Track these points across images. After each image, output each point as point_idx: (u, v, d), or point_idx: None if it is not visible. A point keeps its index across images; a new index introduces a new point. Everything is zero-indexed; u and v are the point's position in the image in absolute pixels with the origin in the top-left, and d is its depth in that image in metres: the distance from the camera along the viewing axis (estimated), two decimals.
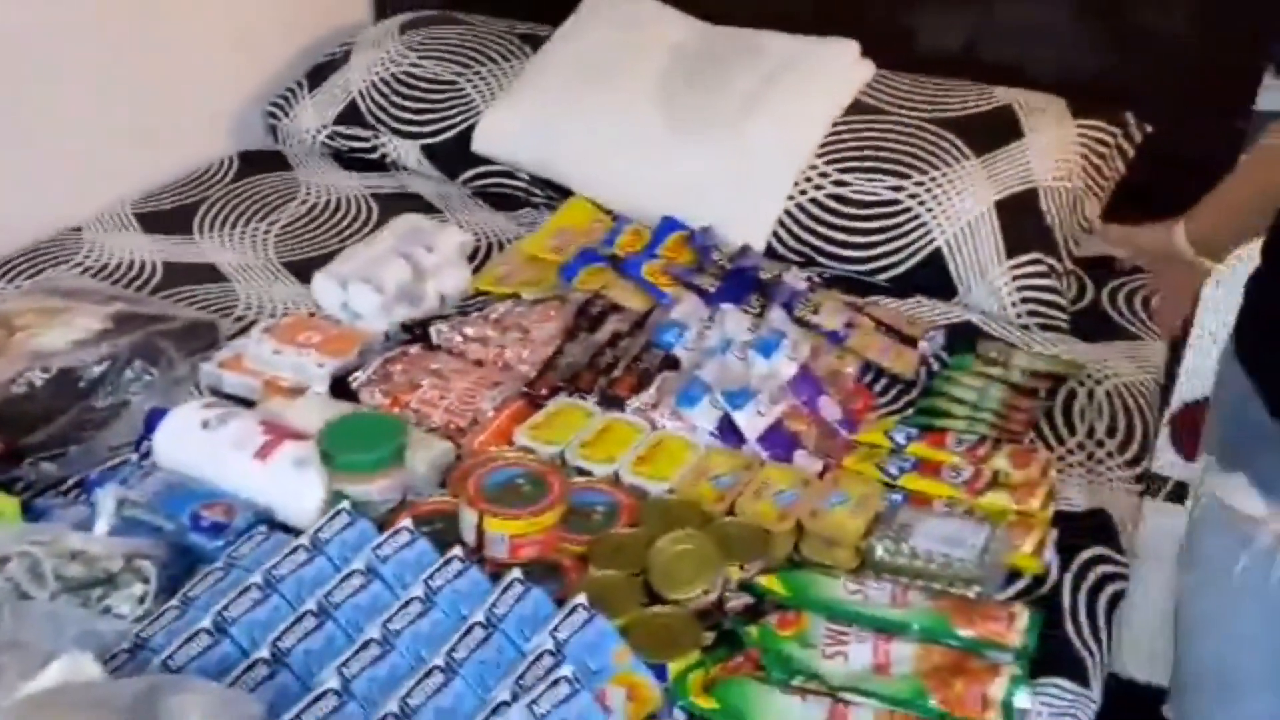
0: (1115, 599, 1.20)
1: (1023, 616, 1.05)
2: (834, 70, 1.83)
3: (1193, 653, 1.21)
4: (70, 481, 1.24)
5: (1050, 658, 1.09)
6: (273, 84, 2.15)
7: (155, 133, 1.97)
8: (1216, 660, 1.18)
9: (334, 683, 0.90)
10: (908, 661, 1.00)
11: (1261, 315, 1.05)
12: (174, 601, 1.04)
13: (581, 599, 0.98)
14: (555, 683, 0.88)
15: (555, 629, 0.95)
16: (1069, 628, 1.14)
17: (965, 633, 1.03)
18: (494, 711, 0.88)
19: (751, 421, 1.28)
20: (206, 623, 0.96)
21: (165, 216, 1.85)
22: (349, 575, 1.01)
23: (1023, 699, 0.98)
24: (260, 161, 2.04)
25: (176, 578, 1.08)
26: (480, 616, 0.96)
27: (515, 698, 0.88)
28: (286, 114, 2.07)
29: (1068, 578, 1.18)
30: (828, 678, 0.99)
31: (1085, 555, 1.22)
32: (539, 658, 0.92)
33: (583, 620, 0.97)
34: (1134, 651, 1.78)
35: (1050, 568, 1.19)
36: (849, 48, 1.85)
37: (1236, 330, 1.09)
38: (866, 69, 1.86)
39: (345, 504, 1.10)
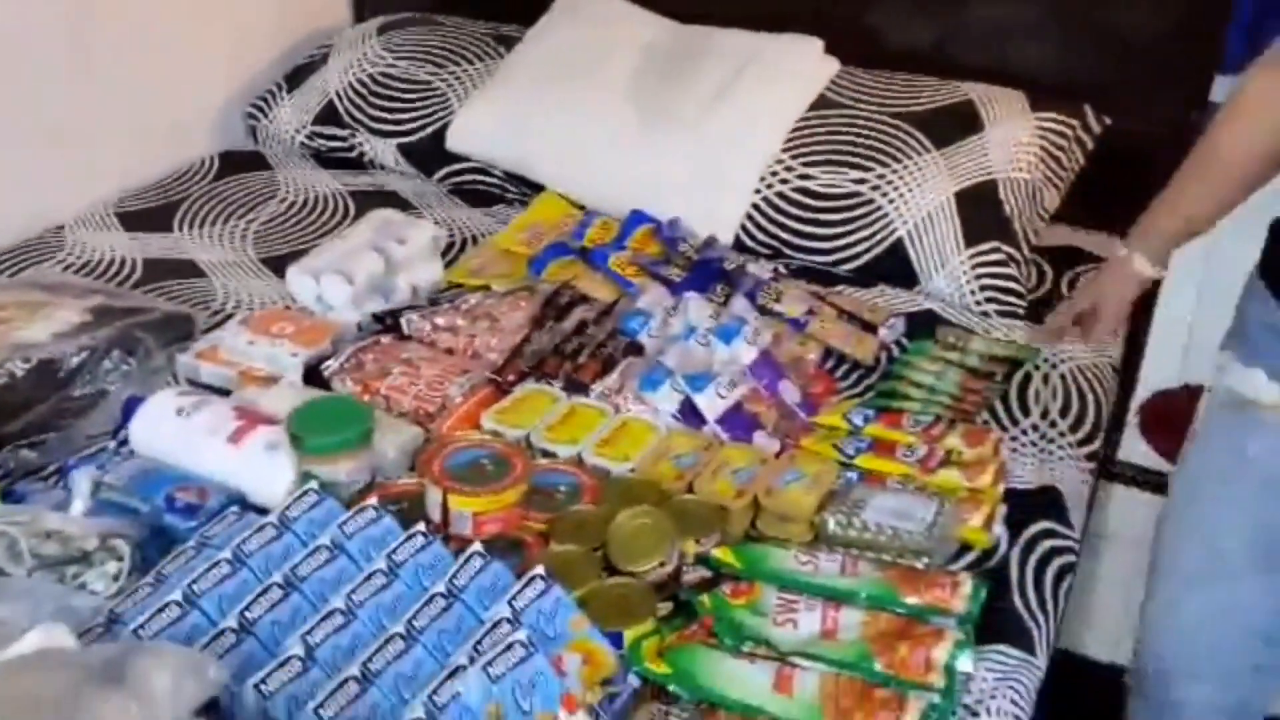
0: (1063, 572, 1.24)
1: (967, 584, 1.09)
2: (798, 67, 1.88)
3: (1179, 542, 1.32)
4: (50, 468, 1.28)
5: (997, 626, 1.13)
6: (253, 85, 2.19)
7: (136, 133, 2.01)
8: (1205, 544, 1.28)
9: (298, 649, 0.94)
10: (855, 628, 1.04)
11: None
12: (148, 579, 1.07)
13: (539, 570, 1.02)
14: (510, 646, 0.92)
15: (513, 598, 0.99)
16: (1016, 598, 1.18)
17: (911, 600, 1.07)
18: (451, 675, 0.91)
19: (711, 403, 1.32)
20: (176, 595, 0.99)
21: (146, 215, 1.89)
22: (315, 550, 1.04)
23: (965, 662, 1.02)
24: (240, 161, 2.08)
25: (151, 558, 1.12)
26: (441, 587, 1.00)
27: (472, 661, 0.91)
28: (266, 115, 2.11)
29: (1016, 551, 1.23)
30: (777, 644, 1.03)
31: (1034, 529, 1.26)
32: (496, 625, 0.96)
33: (540, 590, 1.00)
34: (1097, 632, 1.82)
35: (999, 542, 1.23)
36: (813, 45, 1.90)
37: (1265, 263, 1.21)
38: (830, 65, 1.91)
39: (313, 484, 1.14)
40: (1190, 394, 2.33)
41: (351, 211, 1.90)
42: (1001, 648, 1.11)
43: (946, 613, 1.06)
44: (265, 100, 2.13)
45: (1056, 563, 1.24)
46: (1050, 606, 1.19)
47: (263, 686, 0.91)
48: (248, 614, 0.98)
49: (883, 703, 0.96)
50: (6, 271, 1.68)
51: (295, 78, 2.13)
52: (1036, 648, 1.14)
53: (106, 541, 1.10)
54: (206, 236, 1.84)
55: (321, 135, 2.07)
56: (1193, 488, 1.32)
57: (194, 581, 1.01)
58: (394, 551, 1.04)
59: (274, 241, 1.82)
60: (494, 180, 1.95)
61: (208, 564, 1.03)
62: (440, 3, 2.28)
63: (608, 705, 0.98)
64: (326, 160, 2.08)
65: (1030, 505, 1.29)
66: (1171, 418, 2.28)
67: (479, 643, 0.94)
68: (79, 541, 1.10)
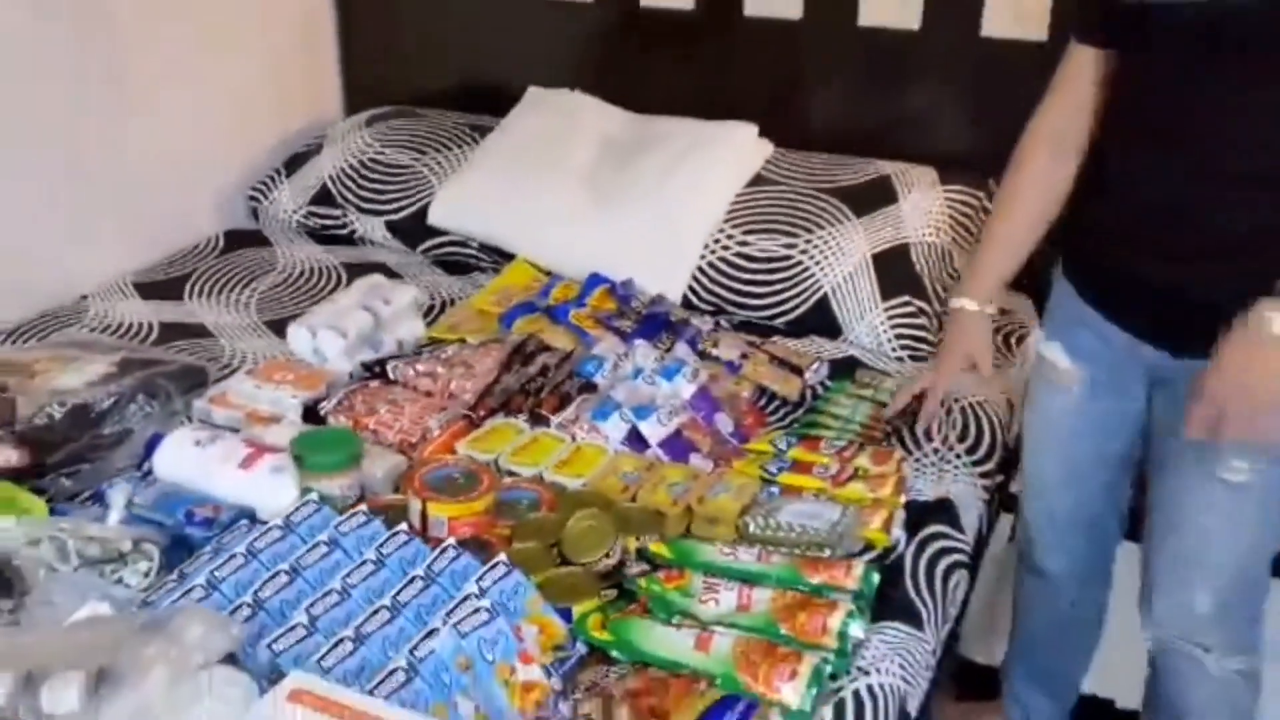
0: (952, 567, 1.46)
1: (860, 568, 1.30)
2: (737, 149, 2.14)
3: (1026, 465, 1.66)
4: (84, 494, 1.49)
5: (892, 607, 1.34)
6: (254, 172, 2.44)
7: (151, 215, 2.25)
8: (1035, 468, 1.65)
9: (303, 619, 1.14)
10: (765, 602, 1.25)
11: (1070, 238, 1.49)
12: (172, 576, 1.28)
13: (502, 557, 1.23)
14: (476, 611, 1.13)
15: (480, 578, 1.20)
16: (909, 586, 1.39)
17: (813, 579, 1.28)
18: (427, 635, 1.12)
19: (654, 430, 1.54)
20: (200, 580, 1.20)
21: (160, 285, 2.12)
22: (314, 545, 1.26)
23: (856, 629, 1.23)
24: (243, 238, 2.32)
25: (174, 564, 1.32)
26: (420, 571, 1.21)
27: (444, 624, 1.12)
28: (266, 197, 2.36)
29: (911, 549, 1.44)
30: (700, 616, 1.24)
31: (928, 532, 1.48)
32: (466, 598, 1.17)
33: (503, 573, 1.21)
34: (972, 636, 2.03)
35: (898, 542, 1.44)
36: (749, 130, 2.17)
37: (1065, 262, 1.51)
38: (765, 148, 2.17)
39: (313, 495, 1.35)
40: None
41: (344, 280, 2.14)
42: (895, 624, 1.32)
43: (841, 590, 1.27)
44: (265, 185, 2.38)
45: (947, 560, 1.45)
46: (940, 594, 1.41)
47: (274, 646, 1.11)
48: (260, 594, 1.19)
49: (783, 657, 1.17)
50: (37, 336, 1.91)
51: (293, 164, 2.39)
52: (926, 627, 1.35)
53: (139, 545, 1.31)
54: (214, 303, 2.07)
55: (316, 215, 2.32)
56: (1029, 425, 1.64)
57: (215, 570, 1.22)
58: (382, 545, 1.25)
59: (274, 306, 2.05)
60: (470, 251, 2.20)
61: (226, 557, 1.24)
62: (422, 97, 2.55)
63: (559, 666, 1.18)
64: (320, 237, 2.33)
65: (927, 513, 1.51)
66: None
67: (451, 612, 1.15)
68: (115, 544, 1.30)
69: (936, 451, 1.65)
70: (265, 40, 2.47)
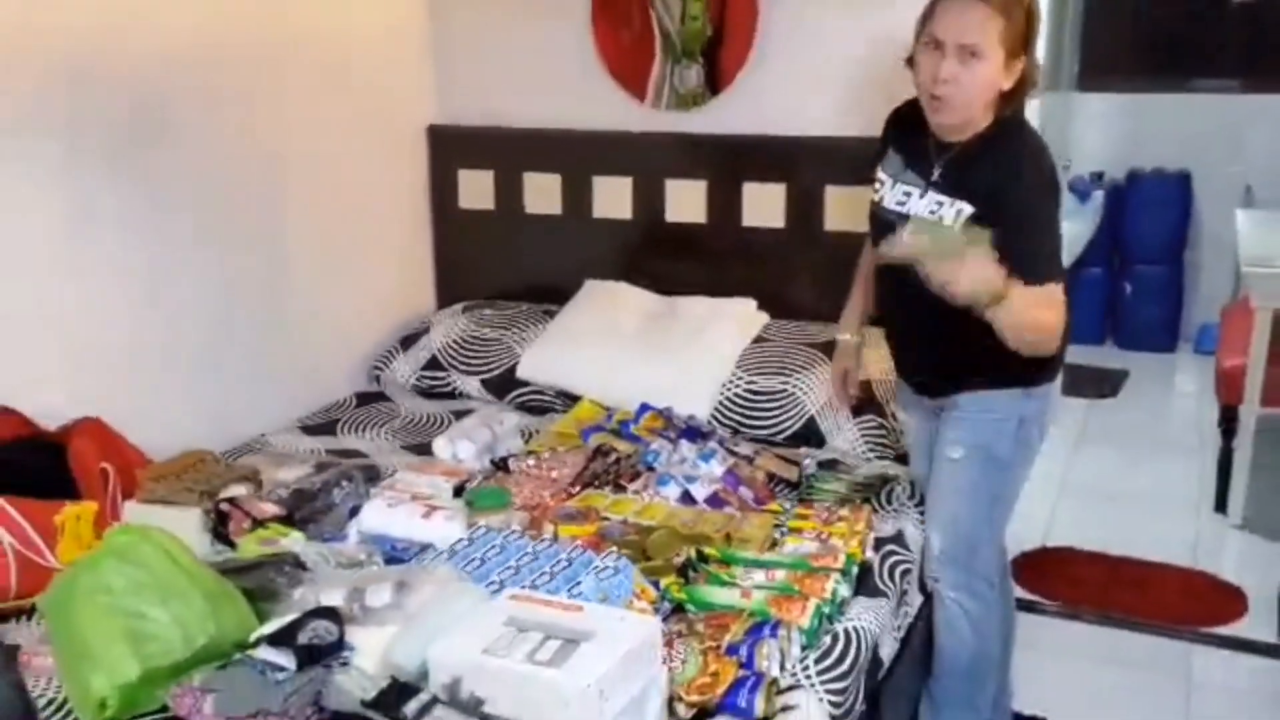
0: (905, 572, 2.15)
1: (843, 557, 2.00)
2: (741, 318, 2.94)
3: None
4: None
5: (867, 590, 2.03)
6: (372, 349, 3.22)
7: (304, 380, 3.01)
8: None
9: (497, 578, 1.82)
10: (784, 577, 1.93)
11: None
12: None
13: (613, 550, 1.92)
14: (607, 568, 1.81)
15: (604, 558, 1.88)
16: (876, 579, 2.08)
17: (814, 564, 1.97)
18: (576, 584, 1.79)
19: (699, 491, 2.26)
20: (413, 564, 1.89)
21: (317, 427, 2.86)
22: (490, 546, 1.94)
23: (844, 589, 1.92)
24: (370, 397, 3.07)
25: None
26: (564, 557, 1.90)
27: (589, 574, 1.80)
28: (388, 366, 3.14)
29: (876, 559, 2.13)
30: (741, 584, 1.92)
31: (886, 550, 2.17)
32: (603, 569, 1.85)
33: (615, 557, 1.90)
34: None
35: (870, 557, 2.14)
36: (750, 304, 2.98)
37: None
38: (762, 317, 2.98)
39: (481, 526, 2.05)
40: (1050, 553, 3.28)
41: (450, 422, 2.87)
42: (869, 599, 2.01)
43: (833, 569, 1.96)
44: (387, 357, 3.16)
45: (900, 567, 2.15)
46: (895, 583, 2.10)
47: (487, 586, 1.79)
48: (465, 570, 1.87)
49: (797, 601, 1.85)
50: (243, 458, 2.62)
51: (406, 342, 3.18)
52: (888, 600, 2.04)
53: (369, 556, 1.99)
54: (361, 436, 2.80)
55: (427, 378, 3.08)
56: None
57: (429, 560, 1.90)
58: (534, 547, 1.95)
59: (406, 437, 2.78)
60: (546, 398, 2.95)
61: (432, 555, 1.93)
62: (495, 294, 3.36)
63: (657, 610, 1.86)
64: (428, 394, 3.08)
65: (887, 540, 2.21)
66: (1042, 567, 3.20)
67: (590, 570, 1.83)
68: (355, 556, 1.98)
69: (893, 508, 2.35)
70: (380, 254, 3.30)
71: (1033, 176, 1.98)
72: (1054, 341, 1.99)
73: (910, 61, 2.01)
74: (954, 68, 1.93)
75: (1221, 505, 3.60)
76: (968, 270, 1.82)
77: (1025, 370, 2.06)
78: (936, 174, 2.04)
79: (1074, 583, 3.21)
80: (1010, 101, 2.00)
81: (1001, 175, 1.96)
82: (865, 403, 2.60)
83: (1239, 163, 5.12)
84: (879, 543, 2.19)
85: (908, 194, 2.08)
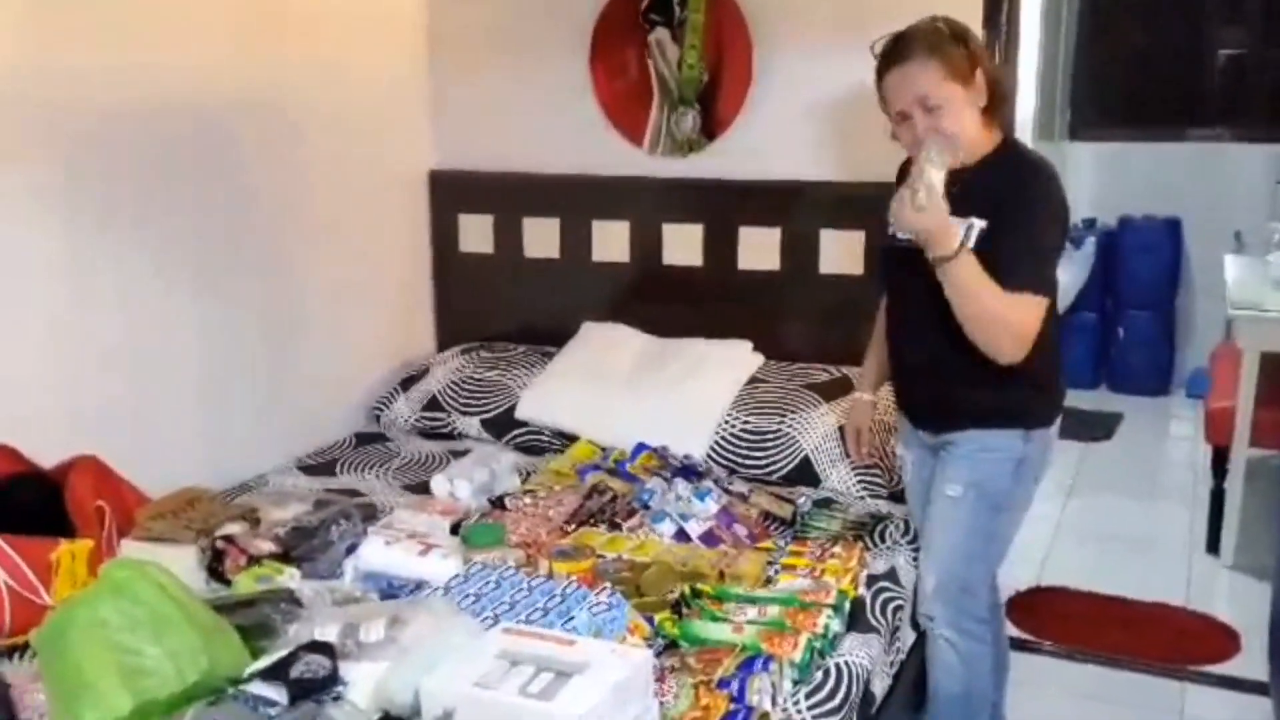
0: (895, 607, 2.17)
1: (835, 594, 2.02)
2: (736, 359, 2.98)
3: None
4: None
5: (860, 626, 2.05)
6: (370, 390, 3.26)
7: (303, 423, 3.04)
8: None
9: (490, 613, 1.84)
10: (775, 612, 1.95)
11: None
12: None
13: (607, 585, 1.94)
14: (600, 604, 1.83)
15: (597, 594, 1.90)
16: (869, 615, 2.10)
17: (806, 600, 1.99)
18: (569, 619, 1.81)
19: (694, 529, 2.28)
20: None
21: (316, 467, 2.88)
22: (486, 582, 1.96)
23: (836, 624, 1.93)
24: (369, 438, 3.10)
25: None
26: (558, 592, 1.92)
27: (582, 608, 1.82)
28: (388, 408, 3.17)
29: (869, 595, 2.15)
30: (733, 620, 1.94)
31: (879, 586, 2.19)
32: (597, 604, 1.87)
33: (610, 592, 1.92)
34: None
35: (863, 593, 2.15)
36: (745, 346, 3.02)
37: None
38: (757, 358, 3.02)
39: (477, 562, 2.07)
40: (1044, 593, 3.30)
41: (449, 462, 2.90)
42: (861, 635, 2.02)
43: (824, 605, 1.98)
44: (387, 398, 3.19)
45: (892, 603, 2.17)
46: (887, 619, 2.11)
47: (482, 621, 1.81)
48: (460, 605, 1.89)
49: (789, 636, 1.87)
50: (241, 497, 2.64)
51: (407, 383, 3.21)
52: (880, 636, 2.06)
53: (365, 593, 2.01)
54: (360, 476, 2.82)
55: (426, 418, 3.11)
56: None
57: (424, 596, 1.92)
58: (529, 582, 1.97)
59: (404, 477, 2.81)
60: (544, 438, 2.98)
61: (427, 591, 1.95)
62: (494, 336, 3.41)
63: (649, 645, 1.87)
64: (428, 434, 3.11)
65: (880, 578, 2.23)
66: (1036, 606, 3.21)
67: (583, 606, 1.85)
68: (350, 593, 2.00)
69: (886, 545, 2.37)
70: (380, 297, 3.35)
71: (1036, 190, 2.02)
72: (1010, 347, 1.97)
73: (894, 136, 2.10)
74: (923, 123, 2.01)
75: (1214, 546, 3.62)
76: (920, 207, 1.92)
77: (1025, 412, 2.11)
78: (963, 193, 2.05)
79: (1067, 621, 3.22)
80: (998, 111, 2.08)
81: (1006, 186, 2.02)
82: (880, 459, 2.61)
83: (1228, 209, 5.18)
84: (871, 579, 2.21)
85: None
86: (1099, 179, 5.52)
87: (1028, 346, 1.98)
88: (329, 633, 1.74)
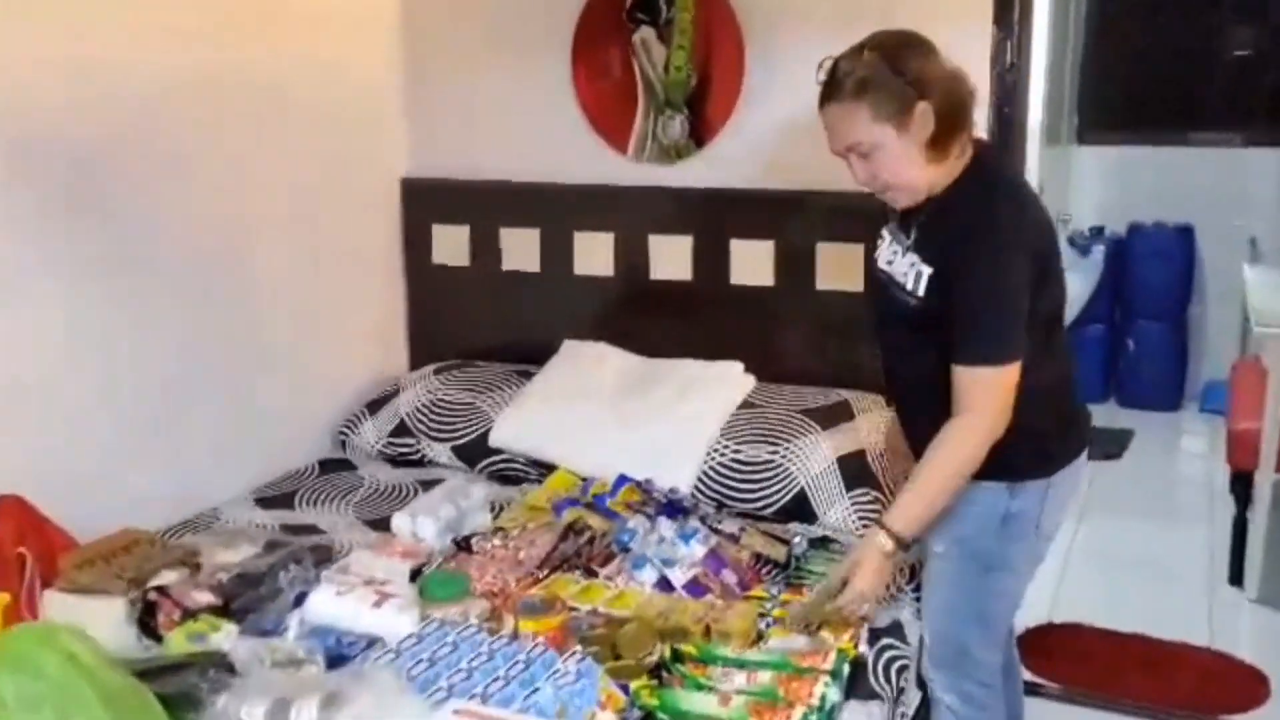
0: (900, 667, 1.96)
1: (833, 657, 1.81)
2: (727, 382, 2.77)
3: None
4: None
5: (862, 691, 1.83)
6: (338, 415, 3.04)
7: (262, 449, 2.83)
8: None
9: (443, 687, 1.63)
10: (766, 678, 1.74)
11: None
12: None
13: (577, 649, 1.73)
14: (568, 674, 1.63)
15: (565, 660, 1.70)
16: (871, 678, 1.89)
17: (801, 665, 1.78)
18: (533, 692, 1.61)
19: (677, 576, 2.07)
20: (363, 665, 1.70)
21: (275, 499, 2.67)
22: (441, 644, 1.76)
23: (834, 693, 1.72)
24: (334, 465, 2.89)
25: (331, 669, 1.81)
26: (522, 658, 1.71)
27: (547, 681, 1.62)
28: (354, 432, 2.96)
29: (870, 654, 1.94)
30: (720, 688, 1.73)
31: (882, 644, 1.98)
32: (556, 670, 1.66)
33: (580, 657, 1.71)
34: None
35: (864, 652, 1.94)
36: (735, 367, 2.81)
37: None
38: (750, 380, 2.80)
39: (434, 620, 1.86)
40: (1057, 630, 3.10)
41: (418, 493, 2.68)
42: (862, 703, 1.81)
43: (820, 670, 1.77)
44: (353, 422, 2.98)
45: (897, 663, 1.96)
46: (891, 681, 1.90)
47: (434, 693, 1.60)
48: (412, 674, 1.68)
49: (781, 709, 1.66)
50: (188, 535, 2.43)
51: (374, 406, 3.00)
52: (883, 702, 1.84)
53: (310, 654, 1.80)
54: (320, 509, 2.61)
55: (395, 444, 2.90)
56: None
57: (375, 659, 1.71)
58: (491, 644, 1.76)
59: (367, 510, 2.60)
60: (520, 466, 2.77)
61: (379, 651, 1.74)
62: (472, 353, 3.20)
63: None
64: (397, 461, 2.90)
65: (884, 633, 2.02)
66: (1047, 646, 3.01)
67: (550, 675, 1.64)
68: (292, 653, 1.79)
69: (890, 591, 2.16)
70: (349, 312, 3.13)
71: (980, 243, 1.77)
72: (988, 439, 1.79)
73: None
74: (863, 170, 1.84)
75: (1237, 577, 3.42)
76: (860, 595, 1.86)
77: (1010, 463, 1.85)
78: (914, 234, 1.89)
79: (1081, 662, 3.01)
80: (951, 140, 1.81)
81: (952, 238, 1.80)
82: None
83: (1242, 216, 4.99)
84: (874, 634, 2.00)
85: (895, 252, 1.94)
86: (1107, 184, 5.33)
87: (1005, 418, 1.79)
88: (257, 710, 1.53)
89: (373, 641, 1.88)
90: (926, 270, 1.83)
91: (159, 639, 1.88)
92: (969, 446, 1.80)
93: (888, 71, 1.76)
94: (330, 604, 1.98)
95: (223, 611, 1.96)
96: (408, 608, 1.94)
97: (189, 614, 1.89)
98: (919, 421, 1.95)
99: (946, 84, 1.80)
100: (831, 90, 1.82)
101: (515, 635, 1.85)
